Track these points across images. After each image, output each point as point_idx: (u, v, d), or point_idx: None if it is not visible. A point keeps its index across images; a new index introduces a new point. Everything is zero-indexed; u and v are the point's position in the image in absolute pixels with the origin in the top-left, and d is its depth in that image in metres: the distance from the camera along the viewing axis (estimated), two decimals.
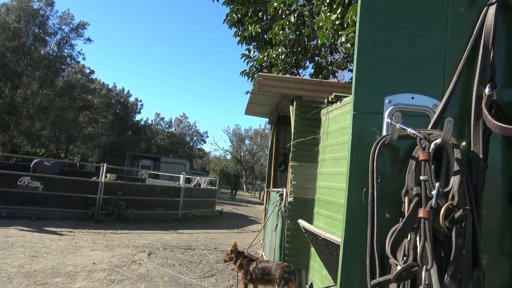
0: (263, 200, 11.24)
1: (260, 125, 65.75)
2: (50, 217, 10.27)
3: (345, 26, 5.58)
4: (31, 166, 13.12)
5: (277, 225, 5.74)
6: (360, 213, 1.52)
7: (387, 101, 1.58)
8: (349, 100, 3.29)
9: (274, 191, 6.59)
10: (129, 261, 6.71)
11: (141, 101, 53.22)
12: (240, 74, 9.54)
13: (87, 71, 39.14)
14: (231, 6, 9.97)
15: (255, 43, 9.99)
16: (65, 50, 33.67)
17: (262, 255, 7.02)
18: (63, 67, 33.88)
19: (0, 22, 26.61)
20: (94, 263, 6.34)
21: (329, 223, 3.46)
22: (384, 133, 1.56)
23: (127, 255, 7.18)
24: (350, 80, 8.39)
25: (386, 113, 1.57)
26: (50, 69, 31.13)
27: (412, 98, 1.59)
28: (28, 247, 7.03)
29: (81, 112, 37.63)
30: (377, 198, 1.47)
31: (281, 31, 8.05)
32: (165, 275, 6.03)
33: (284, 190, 5.73)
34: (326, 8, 6.09)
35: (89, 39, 34.50)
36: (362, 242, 1.48)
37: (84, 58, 47.56)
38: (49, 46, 32.44)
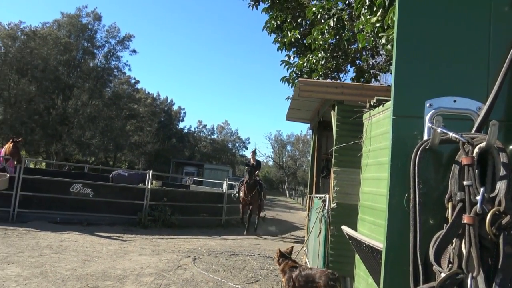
0: (306, 206, 11.17)
1: (301, 131, 65.40)
2: (100, 223, 10.71)
3: (386, 28, 5.49)
4: (110, 176, 14.28)
5: (320, 231, 5.69)
6: (402, 219, 1.50)
7: (427, 104, 1.56)
8: (390, 104, 3.23)
9: (317, 197, 6.55)
10: (175, 266, 6.87)
11: (184, 109, 54.54)
12: (280, 80, 9.58)
13: (133, 81, 40.63)
14: (270, 13, 10.05)
15: (295, 49, 10.00)
16: (112, 62, 35.19)
17: (306, 262, 6.97)
18: (110, 78, 35.36)
19: (52, 38, 28.18)
20: (142, 267, 6.55)
21: (373, 230, 3.40)
22: (425, 137, 1.53)
23: (173, 260, 7.35)
24: None
25: (427, 117, 1.54)
26: (99, 80, 32.59)
27: (454, 101, 1.55)
28: (80, 251, 7.37)
29: (127, 121, 39.04)
30: (419, 203, 1.44)
31: (321, 36, 8.01)
32: (210, 280, 6.13)
33: (327, 196, 5.68)
34: (366, 11, 6.02)
35: (134, 51, 35.86)
36: (405, 248, 1.46)
37: (130, 69, 49.39)
38: (97, 59, 34.01)
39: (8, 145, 10.55)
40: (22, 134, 22.42)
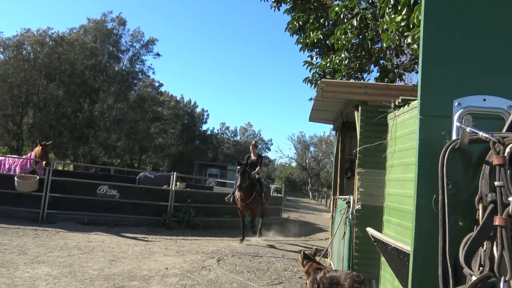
0: (329, 207, 11.05)
1: (324, 132, 64.97)
2: (126, 224, 10.90)
3: (411, 26, 5.39)
4: (137, 178, 14.69)
5: (344, 233, 5.63)
6: (430, 221, 1.47)
7: (456, 104, 1.52)
8: (417, 103, 3.18)
9: (341, 199, 6.49)
10: (199, 267, 6.92)
11: (207, 111, 55.01)
12: (303, 81, 9.53)
13: (157, 84, 41.23)
14: (292, 14, 10.03)
15: (317, 50, 9.94)
16: (137, 65, 35.80)
17: (330, 264, 6.91)
18: (135, 81, 35.98)
19: (79, 43, 28.88)
20: (167, 268, 6.63)
21: (399, 232, 3.35)
22: (454, 137, 1.50)
23: (197, 261, 7.41)
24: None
25: (455, 117, 1.51)
26: (124, 84, 33.21)
27: (484, 100, 1.51)
28: (107, 252, 7.51)
29: (152, 124, 39.61)
30: (448, 205, 1.41)
31: (344, 36, 7.94)
32: (234, 281, 6.15)
33: (351, 197, 5.62)
34: (390, 10, 5.93)
35: (158, 54, 36.41)
36: (433, 251, 1.43)
37: (153, 72, 50.23)
38: (122, 63, 34.68)
39: (38, 148, 10.86)
40: (51, 137, 23.02)
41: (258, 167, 10.75)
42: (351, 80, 8.71)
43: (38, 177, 10.31)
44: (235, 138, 60.06)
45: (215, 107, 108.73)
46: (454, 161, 1.47)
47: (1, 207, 9.82)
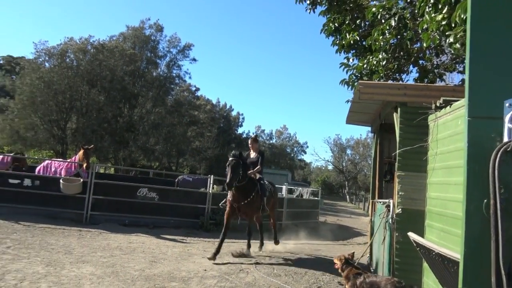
0: (367, 211, 10.84)
1: (361, 134, 63.84)
2: (165, 226, 11.12)
3: (453, 25, 5.23)
4: (176, 181, 15.16)
5: (384, 237, 5.51)
6: (481, 226, 1.41)
7: (507, 104, 1.46)
8: (460, 104, 3.08)
9: (380, 202, 6.36)
10: (237, 270, 6.96)
11: (242, 114, 55.23)
12: (339, 83, 9.42)
13: (193, 89, 41.82)
14: (328, 16, 9.94)
15: (354, 51, 9.81)
16: (174, 70, 36.46)
17: (370, 269, 6.78)
18: (172, 86, 36.68)
19: (119, 50, 29.81)
20: (205, 270, 6.71)
21: (442, 237, 3.24)
22: (505, 139, 1.44)
23: (235, 263, 7.46)
24: (460, 83, 7.78)
25: (507, 118, 1.45)
26: (161, 89, 33.95)
27: None
28: (147, 253, 7.69)
29: (188, 127, 40.25)
30: (500, 210, 1.35)
31: (381, 37, 7.79)
32: (272, 284, 6.14)
33: (391, 201, 5.50)
34: (430, 9, 5.78)
35: (194, 59, 36.93)
36: (485, 257, 1.37)
37: (190, 77, 50.81)
38: (160, 68, 35.44)
39: (80, 152, 11.30)
40: (93, 141, 23.90)
41: (258, 166, 8.46)
42: (389, 81, 8.53)
43: (82, 180, 10.71)
44: (271, 141, 60.06)
45: (251, 110, 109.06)
46: (506, 164, 1.41)
47: (48, 208, 10.30)
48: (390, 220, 5.34)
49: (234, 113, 53.68)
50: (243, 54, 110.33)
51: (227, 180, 7.51)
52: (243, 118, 55.15)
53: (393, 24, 7.40)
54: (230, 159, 7.74)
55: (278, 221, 13.41)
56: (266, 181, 8.93)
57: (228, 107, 52.90)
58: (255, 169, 8.38)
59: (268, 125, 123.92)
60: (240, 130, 54.87)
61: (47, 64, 27.81)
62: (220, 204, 8.72)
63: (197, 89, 42.88)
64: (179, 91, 38.50)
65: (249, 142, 8.89)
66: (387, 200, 5.71)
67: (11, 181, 10.53)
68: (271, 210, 9.08)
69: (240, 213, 8.04)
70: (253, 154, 8.69)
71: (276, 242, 9.48)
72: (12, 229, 8.56)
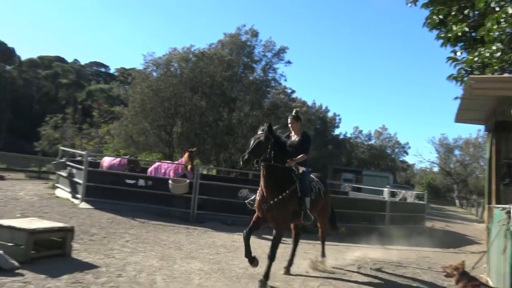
0: (482, 217, 9.93)
1: (470, 134, 58.14)
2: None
3: None
4: None
5: (505, 247, 5.01)
6: None
7: None
8: None
9: (499, 208, 5.80)
10: (340, 273, 6.89)
11: (339, 115, 54.25)
12: (447, 78, 8.80)
13: (289, 91, 42.07)
14: (431, 8, 9.34)
15: (462, 44, 9.09)
16: (269, 74, 37.07)
17: (487, 281, 6.20)
18: (268, 89, 37.38)
19: (217, 57, 31.27)
20: (307, 272, 6.75)
21: None
22: None
23: (337, 266, 7.38)
24: None
25: None
26: (258, 92, 34.79)
27: None
28: None
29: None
30: None
31: (496, 26, 7.10)
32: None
33: None
34: None
35: (289, 62, 37.11)
36: None
37: (285, 80, 51.36)
38: (256, 72, 36.32)
39: (185, 155, 12.09)
40: (196, 144, 25.36)
41: (303, 155, 6.25)
42: (505, 75, 7.75)
43: (188, 181, 11.44)
44: (370, 142, 57.97)
45: (348, 111, 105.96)
46: None
47: (158, 207, 11.16)
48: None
49: (330, 114, 53.06)
50: (338, 54, 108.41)
51: (245, 153, 5.48)
52: (339, 119, 54.21)
53: (510, 11, 6.73)
54: (260, 132, 5.75)
55: (380, 225, 12.93)
56: (314, 176, 6.84)
57: (324, 108, 52.45)
58: (299, 157, 6.14)
59: (366, 126, 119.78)
60: (337, 131, 54.06)
61: (154, 74, 30.21)
62: (246, 202, 6.75)
63: (293, 91, 43.09)
64: (275, 94, 39.09)
65: (289, 121, 6.73)
66: (507, 206, 5.18)
67: (127, 181, 11.63)
68: (320, 217, 7.15)
69: (267, 215, 6.16)
70: (294, 136, 6.64)
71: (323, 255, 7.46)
72: (129, 225, 9.43)
